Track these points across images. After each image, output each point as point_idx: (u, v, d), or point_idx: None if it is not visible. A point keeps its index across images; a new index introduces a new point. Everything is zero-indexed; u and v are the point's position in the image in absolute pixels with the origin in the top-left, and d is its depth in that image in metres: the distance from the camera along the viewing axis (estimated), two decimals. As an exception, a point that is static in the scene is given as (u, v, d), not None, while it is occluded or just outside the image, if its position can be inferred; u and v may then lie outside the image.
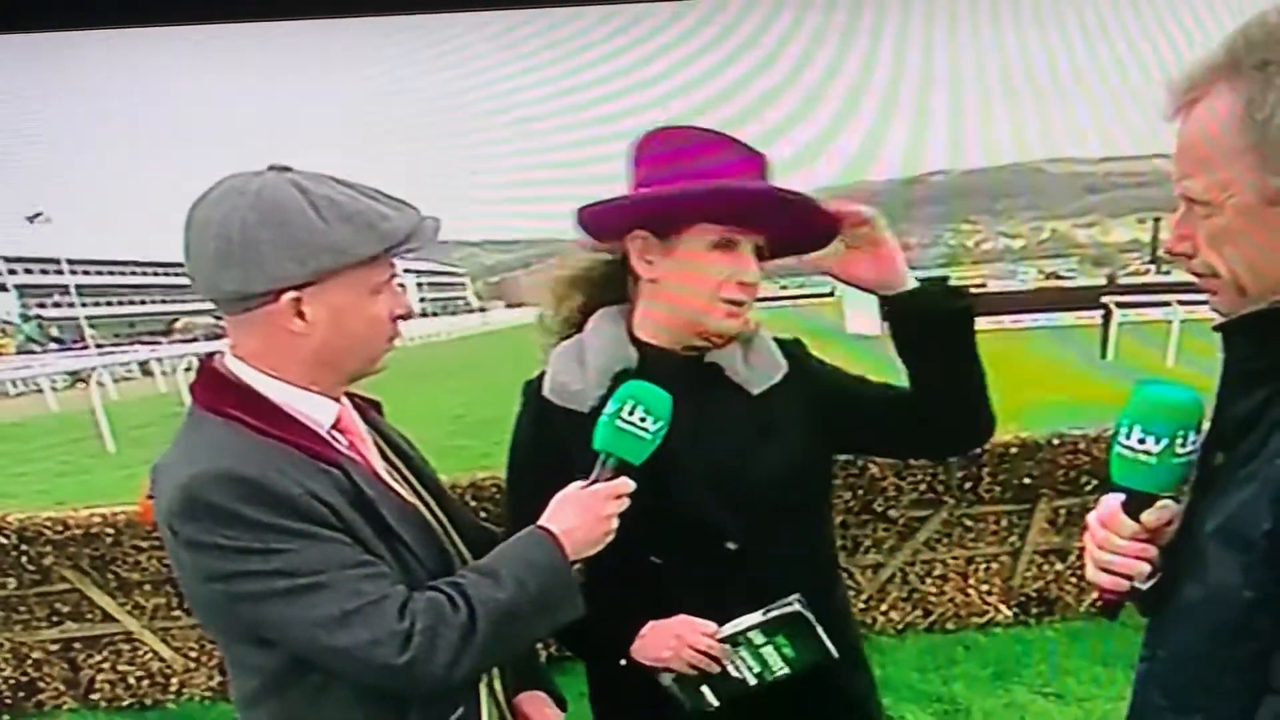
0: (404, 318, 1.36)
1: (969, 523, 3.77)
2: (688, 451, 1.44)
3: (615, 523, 1.37)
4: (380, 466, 1.39)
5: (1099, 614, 1.18)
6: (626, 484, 1.38)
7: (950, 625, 3.84)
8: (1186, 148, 1.01)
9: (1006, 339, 17.34)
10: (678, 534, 1.45)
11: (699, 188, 1.39)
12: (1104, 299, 15.21)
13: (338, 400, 1.35)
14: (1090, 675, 3.41)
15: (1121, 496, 1.11)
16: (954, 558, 3.81)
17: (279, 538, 1.17)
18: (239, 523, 1.16)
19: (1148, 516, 1.10)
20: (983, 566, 3.82)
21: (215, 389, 1.28)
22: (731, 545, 1.46)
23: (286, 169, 1.26)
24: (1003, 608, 3.83)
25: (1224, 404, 1.07)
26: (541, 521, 1.36)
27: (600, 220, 1.49)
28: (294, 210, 1.20)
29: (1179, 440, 1.05)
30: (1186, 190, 1.01)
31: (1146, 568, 1.10)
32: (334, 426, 1.33)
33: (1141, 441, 1.06)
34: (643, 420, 1.37)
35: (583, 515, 1.35)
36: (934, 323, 1.41)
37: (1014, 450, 3.65)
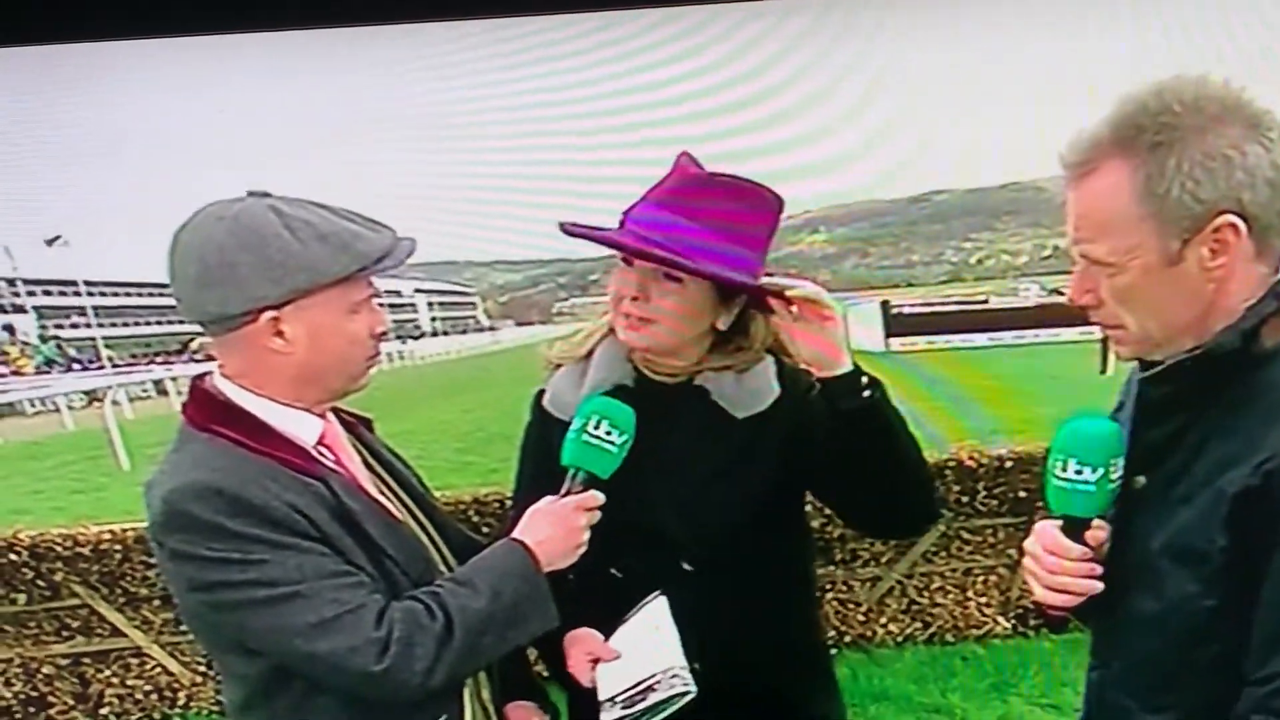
0: (383, 336, 1.39)
1: (966, 535, 3.79)
2: (658, 470, 1.47)
3: (586, 535, 1.41)
4: (366, 481, 1.42)
5: (1047, 630, 1.26)
6: (596, 497, 1.41)
7: (948, 637, 3.86)
8: (1085, 215, 1.12)
9: (1008, 354, 17.25)
10: (638, 550, 1.48)
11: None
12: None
13: (322, 417, 1.39)
14: (1088, 686, 3.41)
15: (1058, 523, 1.19)
16: (952, 570, 3.83)
17: (258, 548, 1.21)
18: (220, 534, 1.20)
19: (1091, 538, 1.18)
20: (980, 579, 3.84)
21: (202, 407, 1.32)
22: (687, 566, 1.50)
23: (265, 194, 1.30)
24: (1000, 619, 3.84)
25: (1140, 431, 1.18)
26: (515, 534, 1.39)
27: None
28: (270, 232, 1.24)
29: (1111, 467, 1.14)
30: (1086, 253, 1.12)
31: (1099, 585, 1.17)
32: (319, 442, 1.36)
33: (1079, 472, 1.14)
34: (608, 434, 1.41)
35: (554, 527, 1.39)
36: (840, 411, 1.41)
37: (1010, 463, 3.67)
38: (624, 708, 1.41)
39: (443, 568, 1.44)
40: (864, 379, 1.41)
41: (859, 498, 1.50)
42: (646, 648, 1.44)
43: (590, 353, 1.59)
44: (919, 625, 3.87)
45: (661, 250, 1.40)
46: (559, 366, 1.63)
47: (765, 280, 1.43)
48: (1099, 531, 1.19)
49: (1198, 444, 1.11)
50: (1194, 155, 1.03)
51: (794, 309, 1.40)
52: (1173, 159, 1.04)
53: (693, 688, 1.38)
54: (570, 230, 1.48)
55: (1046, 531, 1.20)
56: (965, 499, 3.71)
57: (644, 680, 1.41)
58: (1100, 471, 1.13)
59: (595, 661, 1.47)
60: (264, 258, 1.24)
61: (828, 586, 3.77)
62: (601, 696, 1.44)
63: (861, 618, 3.83)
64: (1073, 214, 1.13)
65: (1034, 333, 20.10)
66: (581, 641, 1.48)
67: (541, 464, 1.57)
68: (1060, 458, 1.15)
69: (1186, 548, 1.09)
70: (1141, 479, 1.17)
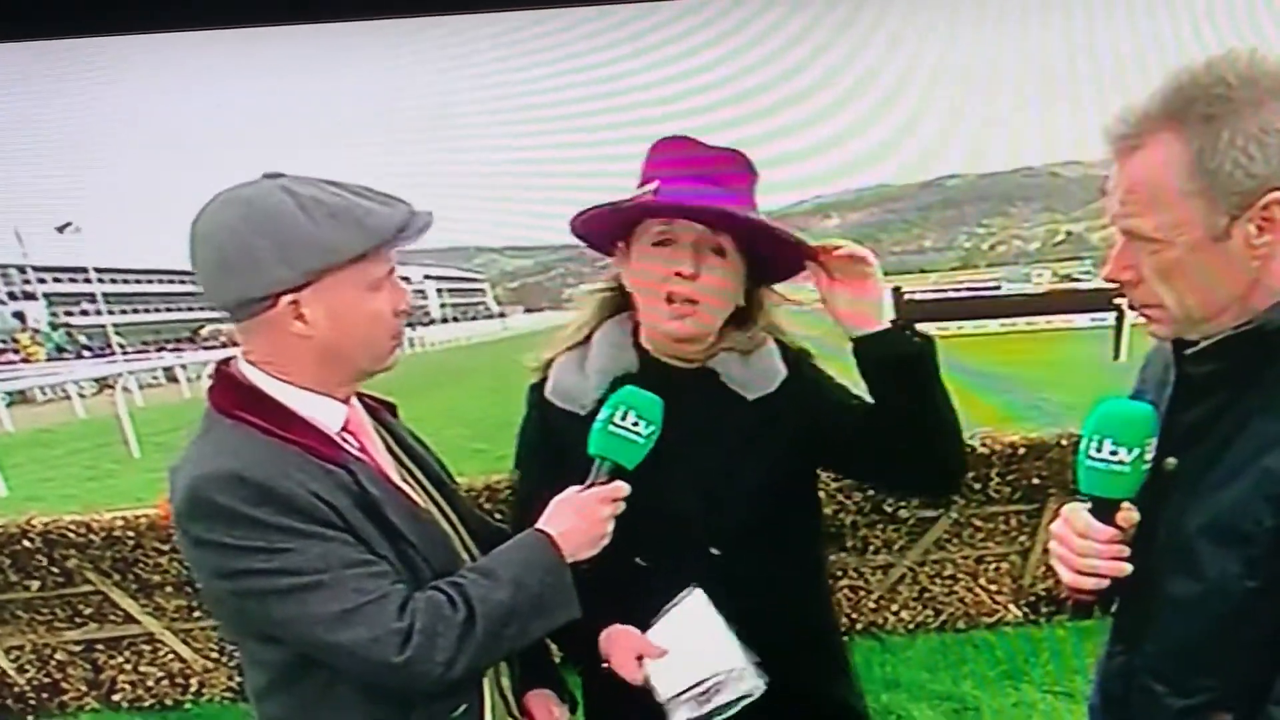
0: (406, 313, 1.37)
1: (978, 523, 3.77)
2: (678, 456, 1.46)
3: (611, 525, 1.40)
4: (390, 468, 1.42)
5: (1073, 616, 1.25)
6: (621, 488, 1.41)
7: (960, 625, 3.84)
8: (1132, 189, 1.10)
9: (1021, 340, 17.17)
10: (663, 537, 1.47)
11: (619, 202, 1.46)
12: (1117, 300, 15.11)
13: (346, 402, 1.38)
14: (1100, 674, 3.40)
15: (1087, 504, 1.18)
16: (964, 558, 3.81)
17: (282, 537, 1.21)
18: (243, 522, 1.20)
19: (1122, 520, 1.17)
20: (992, 566, 3.82)
21: (227, 392, 1.31)
22: (715, 550, 1.49)
23: (279, 175, 1.28)
24: (1012, 607, 3.83)
25: (1175, 412, 1.18)
26: (539, 524, 1.39)
27: (589, 235, 1.54)
28: (284, 214, 1.23)
29: (1147, 448, 1.13)
30: (1132, 228, 1.11)
31: (1129, 567, 1.15)
32: (343, 428, 1.36)
33: (1114, 453, 1.13)
34: (635, 425, 1.40)
35: (579, 518, 1.38)
36: (890, 365, 1.42)
37: (1023, 450, 3.65)
38: (694, 707, 1.42)
39: (465, 556, 1.44)
40: (907, 332, 1.42)
41: (902, 451, 1.46)
42: (695, 641, 1.44)
43: (588, 338, 1.59)
44: (931, 613, 3.85)
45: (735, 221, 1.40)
46: (551, 362, 1.62)
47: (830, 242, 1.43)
48: (1129, 513, 1.18)
49: (1238, 423, 1.10)
50: (1248, 130, 1.02)
51: (831, 267, 1.41)
52: (1226, 132, 1.02)
53: (762, 685, 1.40)
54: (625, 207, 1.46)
55: (1075, 513, 1.19)
56: (977, 486, 3.68)
57: (710, 678, 1.41)
58: (1136, 452, 1.12)
59: (640, 659, 1.46)
60: (279, 240, 1.22)
61: (839, 574, 3.76)
62: (663, 694, 1.44)
63: (873, 605, 3.82)
64: (1119, 188, 1.11)
65: (1046, 319, 20.04)
66: (622, 639, 1.47)
67: (546, 455, 1.56)
68: (1095, 438, 1.14)
69: (1229, 528, 1.08)
70: (1173, 460, 1.16)
